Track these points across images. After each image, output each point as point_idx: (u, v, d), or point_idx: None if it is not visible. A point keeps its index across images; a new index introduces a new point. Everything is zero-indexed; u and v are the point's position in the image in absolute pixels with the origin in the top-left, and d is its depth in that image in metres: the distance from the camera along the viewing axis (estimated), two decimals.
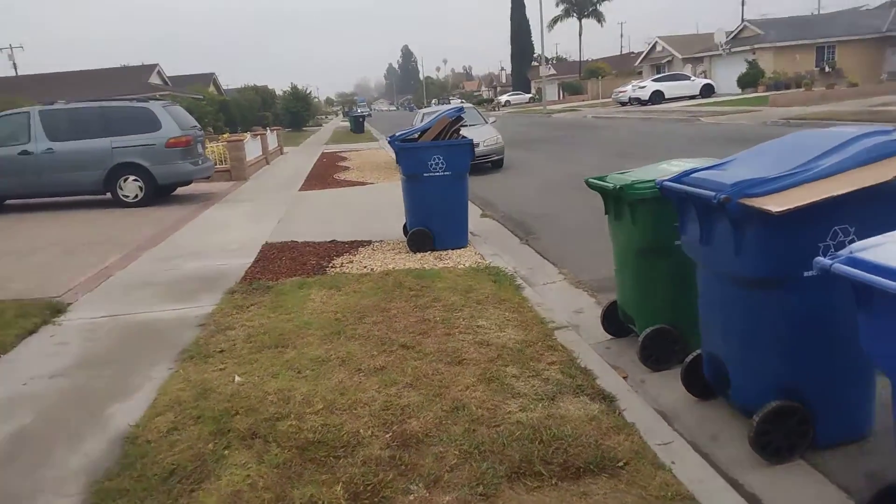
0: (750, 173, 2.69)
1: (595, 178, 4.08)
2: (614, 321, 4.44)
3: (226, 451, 2.97)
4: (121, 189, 11.49)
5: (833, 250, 2.63)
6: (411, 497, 2.57)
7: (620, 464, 2.71)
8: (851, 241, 2.63)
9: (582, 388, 3.44)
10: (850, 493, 2.59)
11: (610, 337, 4.48)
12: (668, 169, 3.75)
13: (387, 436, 3.00)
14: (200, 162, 12.33)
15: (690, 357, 3.48)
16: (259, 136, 19.23)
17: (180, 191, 13.15)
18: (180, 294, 5.83)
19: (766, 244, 2.64)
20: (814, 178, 2.54)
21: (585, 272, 6.07)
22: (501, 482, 2.60)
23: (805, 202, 2.38)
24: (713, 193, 2.69)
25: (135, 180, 11.45)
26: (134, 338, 4.79)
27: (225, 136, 17.91)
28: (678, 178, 3.08)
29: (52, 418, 3.57)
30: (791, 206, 2.38)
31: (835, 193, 2.40)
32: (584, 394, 3.39)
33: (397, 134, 7.15)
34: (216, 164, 15.04)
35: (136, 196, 11.53)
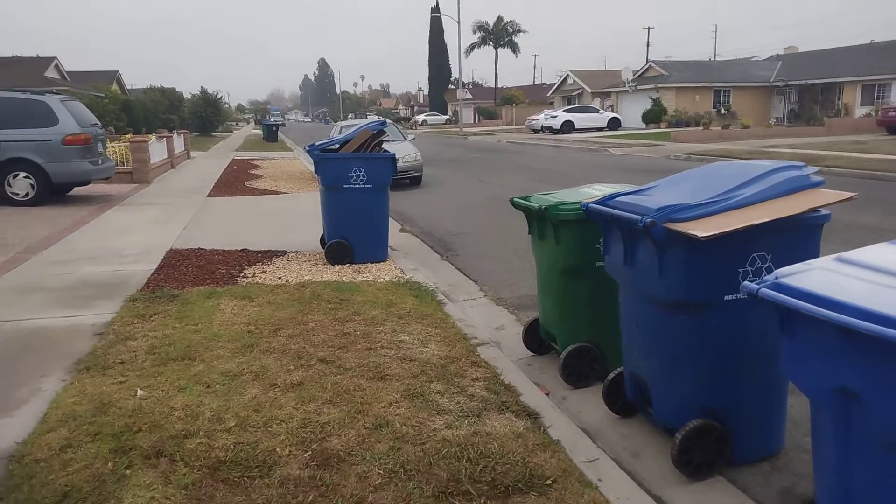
0: (673, 199, 2.78)
1: (520, 198, 4.12)
2: (536, 338, 4.48)
3: (128, 471, 2.72)
4: (9, 186, 10.61)
5: (751, 276, 2.75)
6: None
7: (548, 482, 2.69)
8: (768, 268, 2.77)
9: (507, 405, 3.42)
10: None
11: (531, 354, 4.52)
12: (590, 192, 3.84)
13: (306, 455, 2.85)
14: (100, 162, 11.59)
15: (612, 375, 3.54)
16: (165, 139, 18.36)
17: (77, 191, 12.32)
18: (75, 300, 5.39)
19: (688, 268, 2.73)
20: (735, 207, 2.65)
21: (505, 290, 6.12)
22: (429, 502, 2.52)
23: (729, 228, 2.48)
24: (639, 217, 2.75)
25: (26, 177, 10.61)
26: (20, 347, 4.36)
27: (128, 136, 16.97)
28: (603, 201, 3.14)
29: None
30: (717, 232, 2.46)
31: (756, 221, 2.51)
32: (510, 410, 3.37)
33: (317, 143, 6.98)
34: (117, 166, 14.22)
35: (27, 194, 10.69)
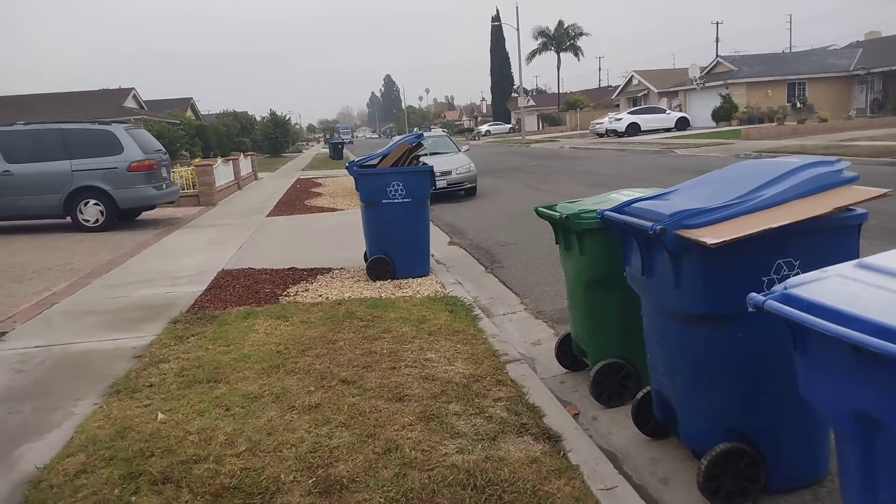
0: (690, 203, 2.57)
1: (544, 207, 3.95)
2: (569, 354, 4.29)
3: (133, 498, 2.73)
4: (81, 213, 11.18)
5: (777, 285, 2.50)
6: None
7: None
8: (796, 276, 2.51)
9: (526, 427, 3.25)
10: None
11: (565, 370, 4.33)
12: (617, 198, 3.62)
13: (309, 481, 2.78)
14: (165, 186, 12.08)
15: (641, 393, 3.32)
16: (231, 161, 19.01)
17: (145, 215, 12.88)
18: (123, 323, 5.57)
19: (706, 278, 2.50)
20: (754, 209, 2.42)
21: (547, 302, 5.92)
22: None
23: (742, 234, 2.25)
24: (650, 224, 2.55)
25: (95, 204, 11.16)
26: (64, 370, 4.52)
27: (196, 160, 17.67)
28: (619, 208, 2.95)
29: None
30: (727, 238, 2.24)
31: (773, 225, 2.27)
32: (529, 433, 3.20)
33: (356, 159, 7.00)
34: (185, 189, 14.81)
35: (97, 221, 11.23)
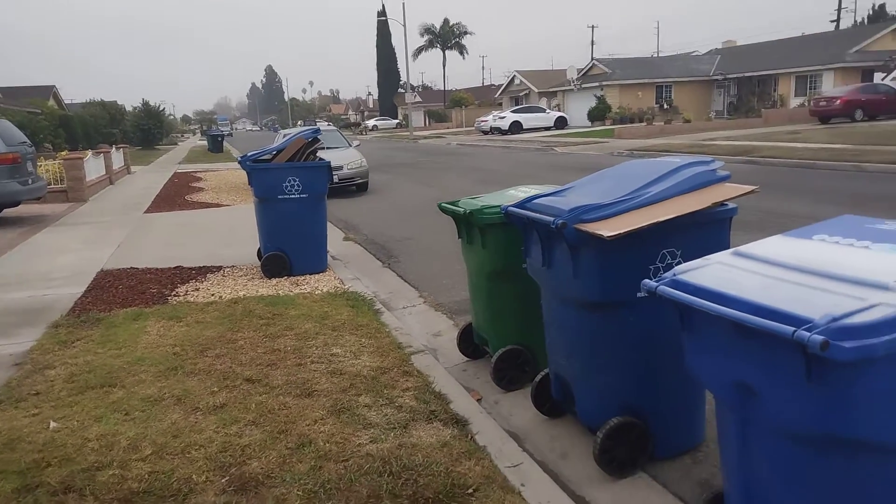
0: (586, 199, 2.79)
1: (447, 203, 4.09)
2: (470, 343, 4.46)
3: None
4: None
5: (662, 272, 2.76)
6: None
7: (470, 490, 2.66)
8: (679, 264, 2.79)
9: (435, 414, 3.38)
10: (685, 501, 2.71)
11: (466, 359, 4.50)
12: (515, 195, 3.82)
13: (223, 480, 2.76)
14: (31, 181, 11.15)
15: (539, 376, 3.54)
16: (102, 154, 17.81)
17: (7, 213, 11.81)
18: None
19: (601, 268, 2.73)
20: (642, 205, 2.67)
21: (445, 294, 6.09)
22: None
23: (634, 227, 2.49)
24: (552, 219, 2.75)
25: None
26: None
27: (63, 153, 16.40)
28: (521, 204, 3.14)
29: None
30: (621, 231, 2.47)
31: (660, 219, 2.53)
32: (438, 419, 3.33)
33: (249, 154, 6.85)
34: (51, 184, 13.73)
35: None
